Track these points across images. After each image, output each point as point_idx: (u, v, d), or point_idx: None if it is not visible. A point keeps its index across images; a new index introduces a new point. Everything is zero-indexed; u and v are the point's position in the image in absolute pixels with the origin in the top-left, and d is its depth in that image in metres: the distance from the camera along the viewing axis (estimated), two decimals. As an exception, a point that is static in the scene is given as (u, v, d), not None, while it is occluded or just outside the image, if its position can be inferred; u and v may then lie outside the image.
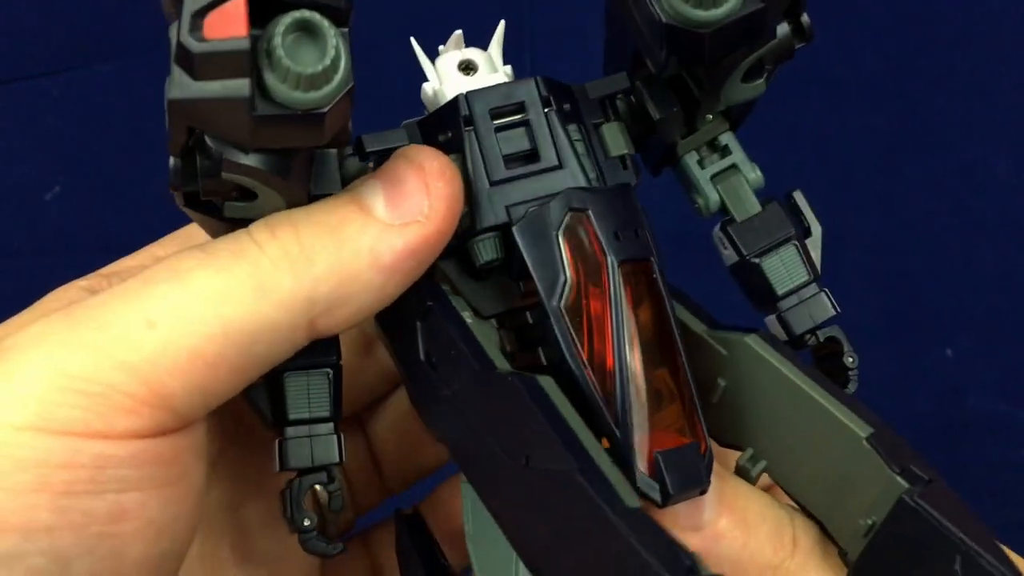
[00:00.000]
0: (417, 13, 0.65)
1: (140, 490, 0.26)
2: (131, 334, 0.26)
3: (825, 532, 0.30)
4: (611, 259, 0.29)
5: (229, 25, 0.24)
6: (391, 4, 0.65)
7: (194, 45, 0.24)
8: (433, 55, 0.33)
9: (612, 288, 0.28)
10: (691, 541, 0.28)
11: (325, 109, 0.25)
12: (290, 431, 0.30)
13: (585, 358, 0.28)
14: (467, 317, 0.30)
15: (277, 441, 0.31)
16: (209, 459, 0.30)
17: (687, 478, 0.28)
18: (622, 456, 0.28)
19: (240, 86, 0.25)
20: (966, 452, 0.64)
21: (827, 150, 0.69)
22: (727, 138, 0.33)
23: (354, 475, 0.39)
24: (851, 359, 0.33)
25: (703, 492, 0.28)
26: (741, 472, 0.31)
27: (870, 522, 0.28)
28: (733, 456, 0.32)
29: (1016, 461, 0.63)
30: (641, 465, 0.28)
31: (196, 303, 0.26)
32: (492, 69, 0.32)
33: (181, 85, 0.25)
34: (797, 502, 0.31)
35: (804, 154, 0.69)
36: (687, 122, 0.33)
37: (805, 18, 0.30)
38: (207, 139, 0.26)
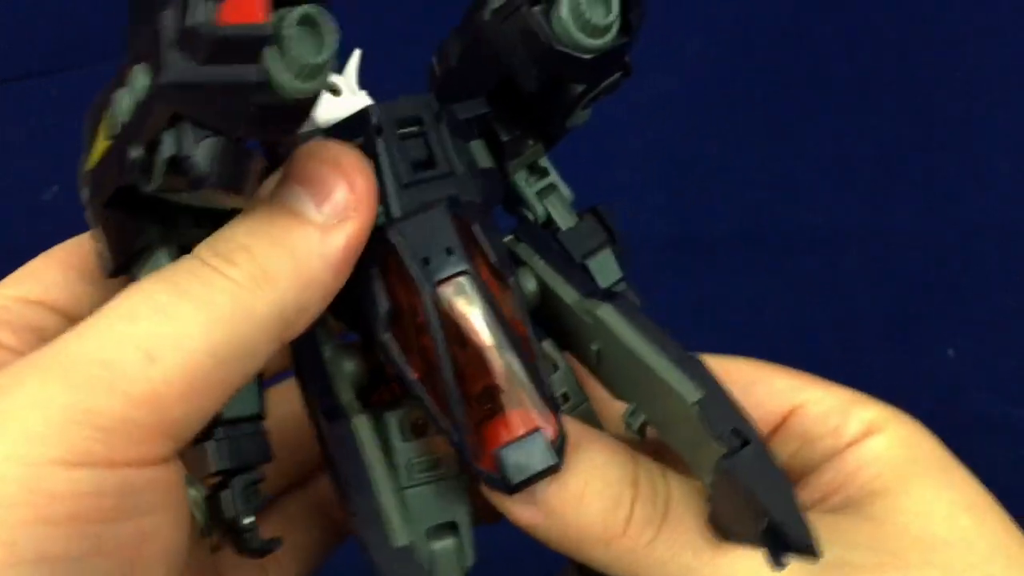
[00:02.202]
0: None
1: (156, 514, 0.27)
2: (136, 370, 0.26)
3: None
4: (423, 287, 0.31)
5: (249, 11, 0.25)
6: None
7: (209, 29, 0.24)
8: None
9: (427, 311, 0.30)
10: (525, 515, 0.31)
11: (313, 100, 0.26)
12: (220, 432, 0.31)
13: (418, 377, 0.31)
14: (327, 350, 0.33)
15: (208, 443, 0.31)
16: None
17: (529, 466, 0.30)
18: (465, 458, 0.30)
19: (251, 72, 0.25)
20: (966, 452, 0.63)
21: (827, 151, 0.69)
22: (544, 161, 0.38)
23: None
24: None
25: (556, 471, 0.30)
26: (627, 425, 0.33)
27: (710, 479, 0.30)
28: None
29: (1016, 461, 0.63)
30: (487, 460, 0.30)
31: (189, 336, 0.27)
32: (352, 92, 0.35)
33: (180, 69, 0.25)
34: (676, 452, 0.33)
35: (804, 154, 0.69)
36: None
37: (628, 58, 0.35)
38: (188, 128, 0.26)
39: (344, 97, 0.35)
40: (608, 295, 0.34)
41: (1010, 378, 0.65)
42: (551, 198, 0.38)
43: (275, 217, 0.29)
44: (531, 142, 0.37)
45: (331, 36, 0.26)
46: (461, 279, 0.31)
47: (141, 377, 0.26)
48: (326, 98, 0.34)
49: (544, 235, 0.37)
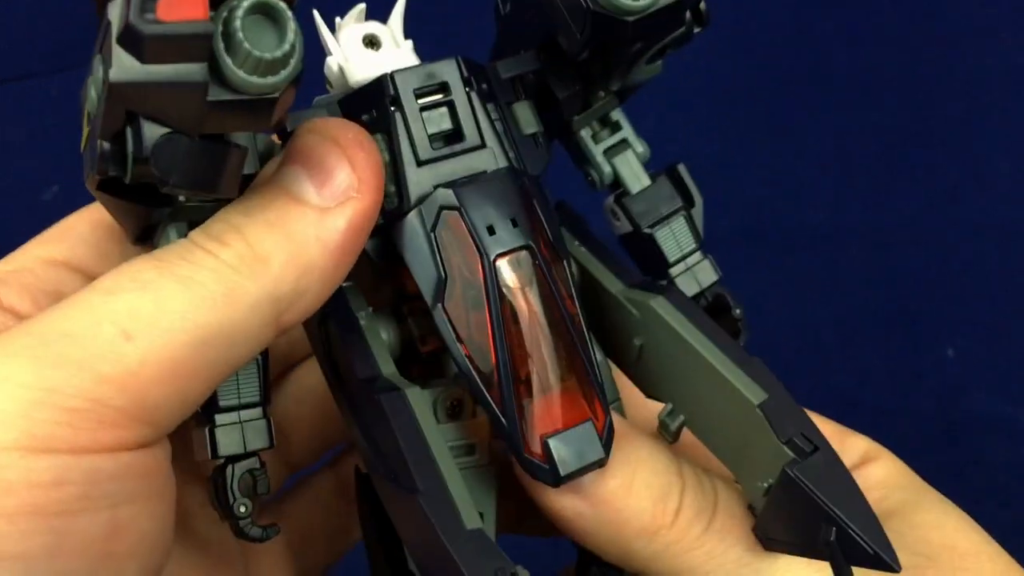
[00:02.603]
0: None
1: (130, 504, 0.26)
2: (110, 347, 0.25)
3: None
4: (485, 255, 0.29)
5: (187, 8, 0.23)
6: None
7: (147, 27, 0.23)
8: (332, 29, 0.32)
9: (487, 283, 0.29)
10: (573, 503, 0.30)
11: (277, 94, 0.25)
12: (219, 418, 0.30)
13: (467, 353, 0.29)
14: (362, 318, 0.31)
15: (207, 429, 0.30)
16: None
17: (579, 457, 0.29)
18: (512, 444, 0.29)
19: (195, 71, 0.24)
20: (966, 452, 0.63)
21: (828, 148, 0.69)
22: (617, 114, 0.35)
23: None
24: (738, 310, 0.35)
25: (602, 465, 0.29)
26: (662, 426, 0.32)
27: (766, 484, 0.29)
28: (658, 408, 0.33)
29: (1016, 461, 0.63)
30: (535, 448, 0.29)
31: (170, 314, 0.25)
32: (395, 44, 0.32)
33: (125, 68, 0.23)
34: (717, 456, 0.32)
35: (805, 152, 0.69)
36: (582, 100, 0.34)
37: (703, 5, 0.32)
38: (145, 125, 0.25)
39: (385, 49, 0.31)
40: (659, 288, 0.32)
41: (1010, 378, 0.65)
42: (622, 156, 0.35)
43: (272, 199, 0.28)
44: (602, 93, 0.34)
45: (292, 26, 0.24)
46: (522, 254, 0.29)
47: (114, 355, 0.25)
48: (360, 53, 0.31)
49: (583, 221, 0.35)
